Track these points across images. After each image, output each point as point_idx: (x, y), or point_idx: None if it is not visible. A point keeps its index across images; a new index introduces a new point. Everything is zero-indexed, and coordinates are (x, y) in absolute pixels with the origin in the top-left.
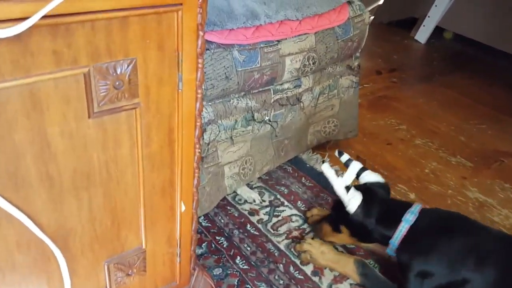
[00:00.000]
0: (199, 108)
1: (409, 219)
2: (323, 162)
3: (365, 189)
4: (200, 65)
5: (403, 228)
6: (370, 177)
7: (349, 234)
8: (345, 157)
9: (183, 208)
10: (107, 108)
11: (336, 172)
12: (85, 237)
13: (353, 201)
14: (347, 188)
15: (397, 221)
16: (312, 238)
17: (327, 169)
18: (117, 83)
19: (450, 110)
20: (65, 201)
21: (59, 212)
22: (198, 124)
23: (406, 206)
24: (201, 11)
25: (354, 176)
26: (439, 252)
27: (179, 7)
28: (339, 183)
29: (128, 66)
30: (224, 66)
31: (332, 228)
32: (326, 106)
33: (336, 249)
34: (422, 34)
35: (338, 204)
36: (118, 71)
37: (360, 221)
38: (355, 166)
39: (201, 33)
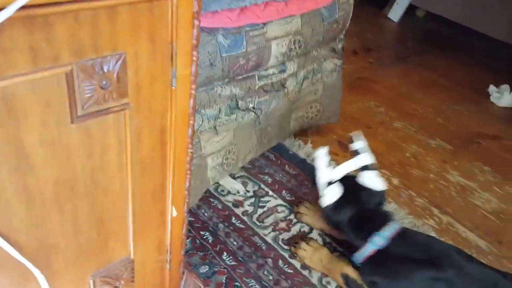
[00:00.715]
0: (192, 106)
1: (376, 242)
2: (321, 147)
3: (352, 188)
4: (195, 58)
5: (367, 249)
6: (369, 180)
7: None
8: (358, 145)
9: (175, 213)
10: (93, 110)
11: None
12: (69, 252)
13: (327, 197)
14: (330, 182)
15: (365, 233)
16: (307, 242)
17: (319, 158)
18: (104, 82)
19: (427, 91)
20: (47, 216)
21: (40, 227)
22: (191, 122)
23: (379, 223)
24: None
25: (354, 168)
26: (407, 281)
27: None
28: (322, 176)
29: (116, 62)
30: (208, 52)
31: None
32: (309, 91)
33: (335, 248)
34: (395, 13)
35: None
36: (105, 69)
37: (329, 217)
38: (362, 159)
39: (196, 22)
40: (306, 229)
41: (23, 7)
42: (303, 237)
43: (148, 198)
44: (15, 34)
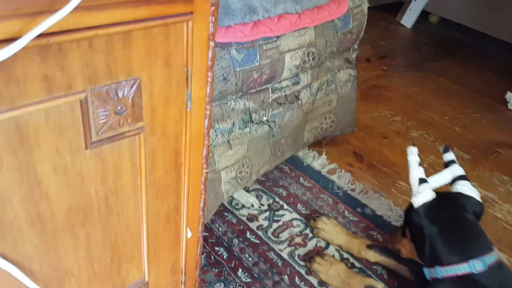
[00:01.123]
0: (207, 126)
1: (474, 266)
2: (413, 145)
3: (447, 195)
4: (209, 79)
5: (462, 269)
6: (465, 189)
7: (409, 238)
8: (449, 156)
9: (189, 234)
10: (107, 136)
11: (334, 171)
12: (82, 278)
13: (421, 195)
14: (423, 181)
15: (461, 250)
16: (322, 257)
17: (412, 153)
18: (118, 107)
19: (443, 99)
20: (59, 242)
21: (53, 254)
22: (206, 142)
23: (481, 243)
24: (213, 20)
25: (447, 179)
26: None
27: (190, 17)
28: (416, 171)
29: (131, 87)
30: (222, 67)
31: (400, 233)
32: (323, 102)
33: (353, 264)
34: (408, 18)
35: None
36: (120, 94)
37: (419, 221)
38: (455, 170)
39: (211, 43)
40: (322, 244)
41: (38, 36)
42: (319, 252)
43: (162, 220)
44: (28, 63)
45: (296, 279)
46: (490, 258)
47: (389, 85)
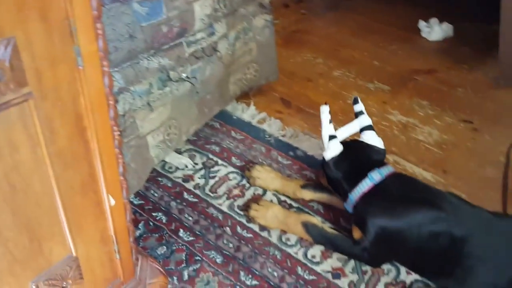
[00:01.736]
0: (109, 84)
1: (374, 177)
2: (325, 103)
3: (352, 145)
4: (100, 32)
5: (365, 184)
6: (370, 138)
7: (327, 183)
8: (358, 107)
9: (112, 202)
10: None
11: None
12: (1, 264)
13: (330, 151)
14: (332, 137)
15: (359, 174)
16: (257, 203)
17: (324, 112)
18: None
19: (361, 36)
20: None
21: None
22: (111, 102)
23: (377, 165)
24: None
25: (356, 129)
26: (403, 214)
27: None
28: (326, 129)
29: (5, 49)
30: (125, 23)
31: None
32: (243, 52)
33: (290, 205)
34: None
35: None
36: None
37: (330, 171)
38: (362, 121)
39: None
40: (260, 192)
41: None
42: (257, 200)
43: (77, 191)
44: None
45: (238, 228)
46: (386, 170)
47: (309, 29)
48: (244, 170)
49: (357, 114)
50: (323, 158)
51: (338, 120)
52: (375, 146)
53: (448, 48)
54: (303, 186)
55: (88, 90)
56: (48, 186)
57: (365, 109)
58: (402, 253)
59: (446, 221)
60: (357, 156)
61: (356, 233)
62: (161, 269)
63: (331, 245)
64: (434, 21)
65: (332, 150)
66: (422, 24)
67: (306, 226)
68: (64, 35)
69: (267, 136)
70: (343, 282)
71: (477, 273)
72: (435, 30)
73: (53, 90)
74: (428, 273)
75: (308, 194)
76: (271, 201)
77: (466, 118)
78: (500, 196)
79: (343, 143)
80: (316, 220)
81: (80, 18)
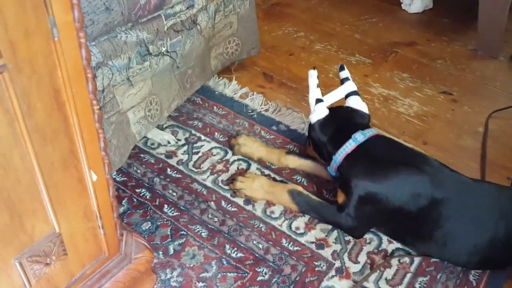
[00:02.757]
0: (86, 56)
1: (357, 138)
2: (314, 68)
3: (337, 109)
4: (75, 1)
5: (349, 145)
6: (354, 103)
7: (312, 148)
8: (344, 74)
9: (94, 177)
10: None
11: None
12: None
13: (316, 113)
14: (319, 101)
15: (343, 136)
16: (243, 175)
17: (312, 76)
18: None
19: (342, 9)
20: None
21: None
22: (89, 75)
23: (360, 128)
24: None
25: (341, 95)
26: (386, 176)
27: None
28: (313, 93)
29: None
30: None
31: (308, 143)
32: (224, 25)
33: (274, 178)
34: None
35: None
36: None
37: (315, 134)
38: (347, 87)
39: None
40: (244, 166)
41: None
42: (241, 173)
43: (58, 167)
44: None
45: (223, 203)
46: (369, 132)
47: (290, 2)
48: (230, 138)
49: (343, 81)
50: (310, 122)
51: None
52: (360, 111)
53: (428, 20)
54: (288, 153)
55: (65, 63)
56: (28, 162)
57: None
58: (383, 217)
59: (427, 183)
60: (342, 120)
61: (340, 197)
62: (147, 244)
63: (315, 213)
64: None
65: (318, 113)
66: None
67: (292, 194)
68: (37, 5)
69: (249, 111)
70: (327, 252)
71: (457, 235)
72: (415, 2)
73: (28, 63)
74: (408, 238)
75: (293, 160)
76: (266, 177)
77: (446, 89)
78: (479, 166)
79: (329, 108)
80: (301, 188)
81: None
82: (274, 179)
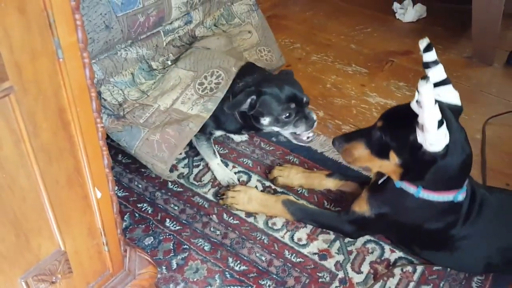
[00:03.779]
0: (90, 76)
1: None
2: (425, 77)
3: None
4: (79, 22)
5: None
6: (446, 95)
7: (399, 163)
8: (430, 56)
9: (99, 194)
10: None
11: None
12: None
13: (440, 139)
14: (441, 123)
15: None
16: (231, 189)
17: (427, 89)
18: None
19: (337, 19)
20: None
21: None
22: (93, 94)
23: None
24: None
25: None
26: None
27: None
28: (432, 112)
29: None
30: (101, 14)
31: (373, 152)
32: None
33: (275, 190)
34: None
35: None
36: None
37: (443, 163)
38: (437, 73)
39: None
40: (245, 178)
41: None
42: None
43: (63, 185)
44: None
45: (224, 215)
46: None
47: (285, 13)
48: (266, 175)
49: (429, 65)
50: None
51: (318, 104)
52: (453, 105)
53: (422, 29)
54: (328, 176)
55: (70, 83)
56: (33, 181)
57: (344, 92)
58: (393, 230)
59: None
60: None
61: (360, 207)
62: (150, 259)
63: (312, 219)
64: (408, 2)
65: (442, 137)
66: (396, 5)
67: (286, 204)
68: (43, 27)
69: None
70: (330, 263)
71: (470, 246)
72: (409, 11)
73: (34, 84)
74: (414, 246)
75: (334, 183)
76: (256, 187)
77: None
78: (479, 172)
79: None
80: (294, 199)
81: (58, 10)
82: (275, 191)
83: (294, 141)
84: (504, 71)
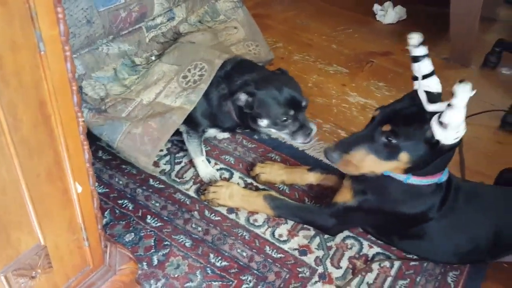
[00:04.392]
0: (71, 69)
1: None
2: (463, 81)
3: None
4: (60, 15)
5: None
6: (434, 86)
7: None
8: (421, 50)
9: (79, 189)
10: None
11: None
12: None
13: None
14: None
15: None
16: (213, 185)
17: (465, 91)
18: None
19: (319, 20)
20: None
21: None
22: (74, 88)
23: None
24: None
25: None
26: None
27: None
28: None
29: None
30: (83, 9)
31: (381, 156)
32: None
33: (257, 187)
34: None
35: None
36: None
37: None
38: (427, 66)
39: None
40: (227, 175)
41: None
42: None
43: (43, 179)
44: None
45: (206, 212)
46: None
47: (268, 13)
48: (248, 172)
49: (419, 59)
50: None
51: None
52: (437, 92)
53: (401, 31)
54: (310, 170)
55: (51, 76)
56: (13, 175)
57: (325, 91)
58: (374, 219)
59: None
60: None
61: (343, 196)
62: (131, 255)
63: (293, 214)
64: (388, 4)
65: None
66: (377, 7)
67: (267, 199)
68: (24, 20)
69: None
70: (310, 258)
71: (446, 236)
72: (389, 13)
73: (15, 76)
74: (393, 236)
75: (316, 177)
76: (238, 184)
77: None
78: (458, 171)
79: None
80: (275, 193)
81: (40, 2)
82: (257, 188)
83: (295, 142)
84: (480, 72)
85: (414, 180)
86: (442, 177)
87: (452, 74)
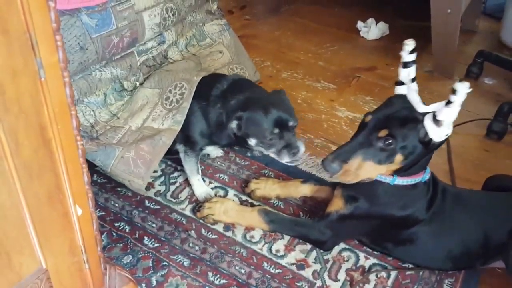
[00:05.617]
0: (70, 95)
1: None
2: (460, 80)
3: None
4: (59, 43)
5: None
6: (416, 88)
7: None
8: (412, 57)
9: (79, 211)
10: None
11: None
12: None
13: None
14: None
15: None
16: (208, 201)
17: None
18: None
19: (305, 38)
20: None
21: None
22: (73, 113)
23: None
24: None
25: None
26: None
27: None
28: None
29: None
30: (76, 36)
31: (380, 161)
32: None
33: (252, 204)
34: None
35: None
36: None
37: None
38: (414, 71)
39: (51, 3)
40: (222, 193)
41: None
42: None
43: (44, 202)
44: None
45: (203, 231)
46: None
47: (255, 33)
48: (242, 189)
49: (409, 64)
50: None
51: None
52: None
53: (385, 46)
54: (303, 182)
55: (51, 101)
56: (15, 199)
57: (314, 107)
58: (367, 226)
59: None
60: None
61: (335, 205)
62: (130, 277)
63: (288, 229)
64: (371, 20)
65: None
66: (360, 24)
67: (262, 213)
68: (25, 48)
69: None
70: (307, 272)
71: (437, 241)
72: (372, 30)
73: (16, 103)
74: (387, 243)
75: (310, 189)
76: (233, 200)
77: None
78: (448, 180)
79: None
80: (270, 208)
81: (40, 31)
82: (252, 204)
83: (281, 161)
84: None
85: (400, 180)
86: (425, 175)
87: (436, 86)
